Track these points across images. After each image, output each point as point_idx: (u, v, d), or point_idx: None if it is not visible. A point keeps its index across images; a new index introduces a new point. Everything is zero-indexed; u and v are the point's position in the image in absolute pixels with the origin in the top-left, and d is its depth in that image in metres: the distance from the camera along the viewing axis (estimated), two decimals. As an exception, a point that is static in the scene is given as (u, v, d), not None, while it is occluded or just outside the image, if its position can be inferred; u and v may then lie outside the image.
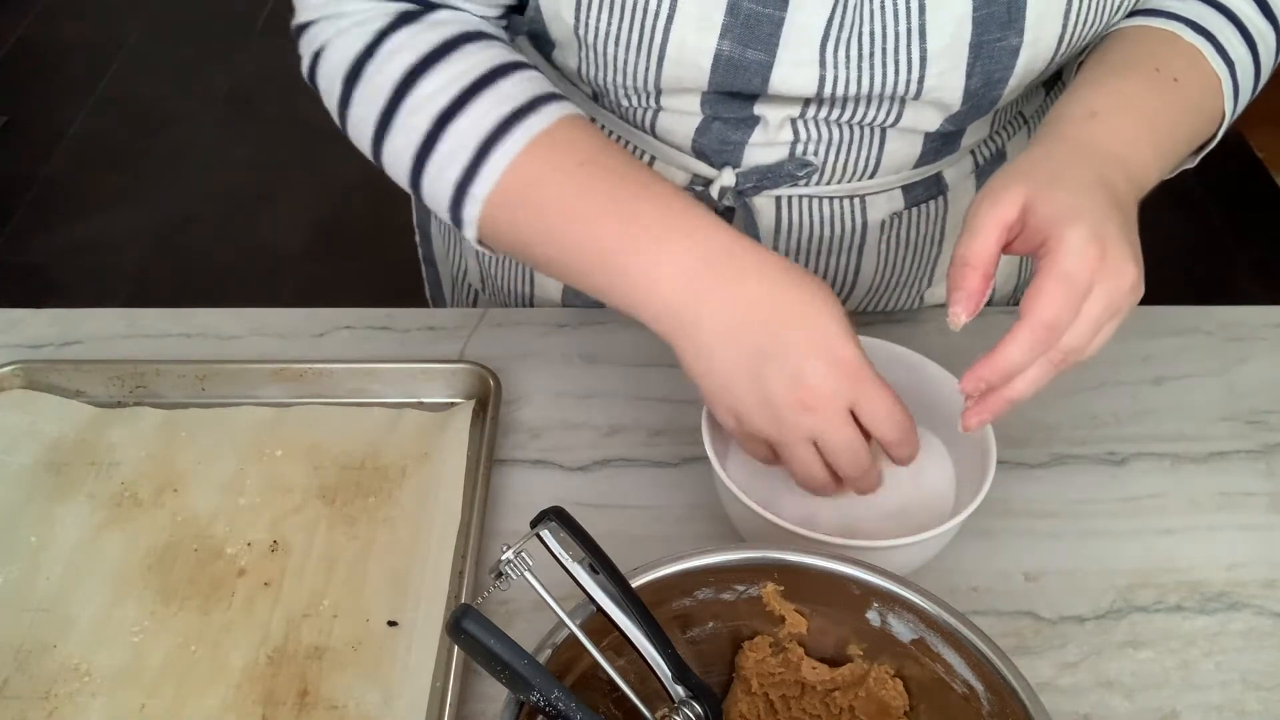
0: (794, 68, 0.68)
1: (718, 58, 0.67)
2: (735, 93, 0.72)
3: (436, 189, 0.67)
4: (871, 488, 0.66)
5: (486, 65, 0.66)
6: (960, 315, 0.58)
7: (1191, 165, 0.74)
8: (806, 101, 0.73)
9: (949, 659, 0.56)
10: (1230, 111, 0.71)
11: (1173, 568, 0.72)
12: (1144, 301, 0.89)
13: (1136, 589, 0.71)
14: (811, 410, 0.60)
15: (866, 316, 0.89)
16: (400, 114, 0.67)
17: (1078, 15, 0.68)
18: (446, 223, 0.71)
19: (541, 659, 0.52)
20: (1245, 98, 0.73)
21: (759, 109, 0.74)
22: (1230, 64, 0.70)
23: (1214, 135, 0.72)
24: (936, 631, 0.56)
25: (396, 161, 0.69)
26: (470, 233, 0.67)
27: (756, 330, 0.60)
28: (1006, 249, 0.60)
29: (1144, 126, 0.65)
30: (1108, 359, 0.85)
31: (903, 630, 0.57)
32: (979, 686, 0.55)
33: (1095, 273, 0.57)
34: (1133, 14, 0.72)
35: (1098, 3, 0.68)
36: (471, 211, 0.66)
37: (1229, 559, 0.73)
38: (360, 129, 0.70)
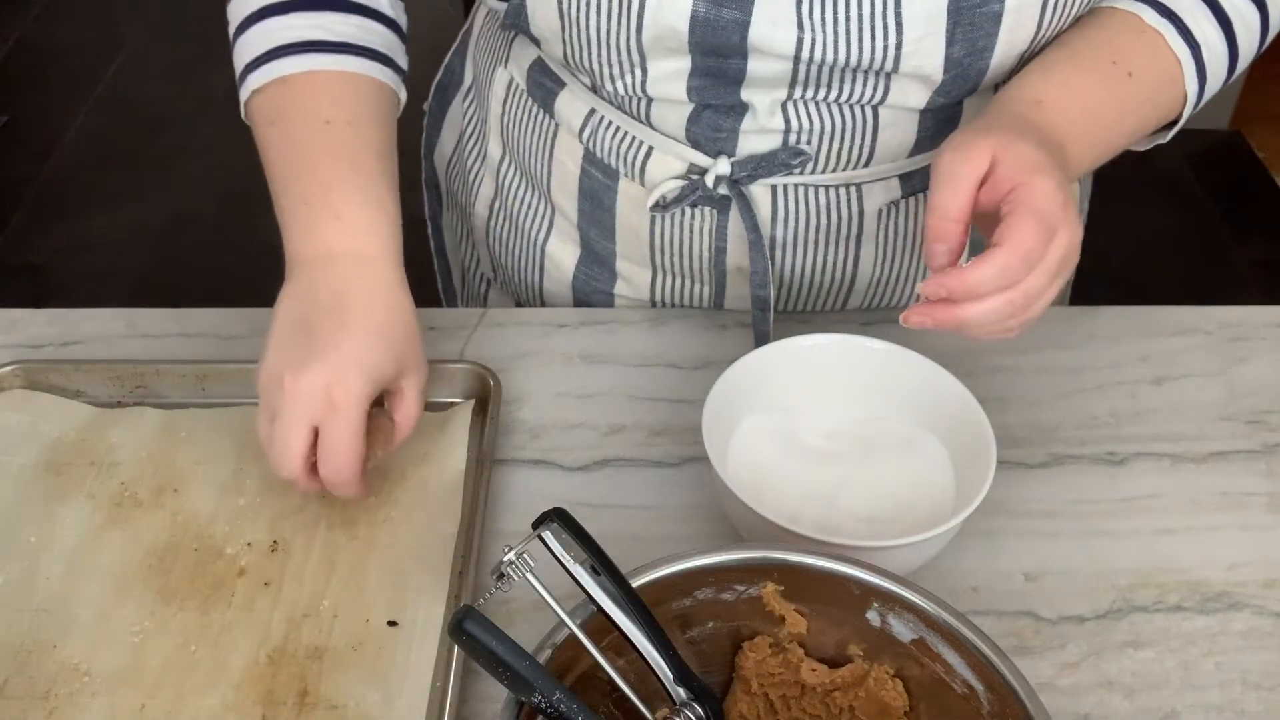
0: (771, 26, 0.68)
1: (694, 18, 0.68)
2: (720, 75, 0.72)
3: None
4: (342, 487, 0.68)
5: None
6: (940, 254, 0.62)
7: (1164, 140, 0.76)
8: (791, 82, 0.73)
9: (949, 659, 0.56)
10: (1196, 92, 0.71)
11: (1173, 568, 0.72)
12: (1144, 301, 0.89)
13: (1136, 589, 0.71)
14: (288, 395, 0.65)
15: (867, 314, 0.88)
16: None
17: None
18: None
19: (541, 659, 0.52)
20: (1217, 78, 0.73)
21: (746, 94, 0.74)
22: (1194, 45, 0.70)
23: (1179, 116, 0.73)
24: (936, 631, 0.56)
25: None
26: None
27: (324, 310, 0.68)
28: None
29: (1085, 120, 0.67)
30: (1108, 359, 0.85)
31: (903, 630, 0.57)
32: (979, 686, 0.55)
33: (1060, 219, 0.60)
34: None
35: None
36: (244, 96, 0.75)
37: (1229, 559, 0.73)
38: None
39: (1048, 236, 0.60)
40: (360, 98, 0.74)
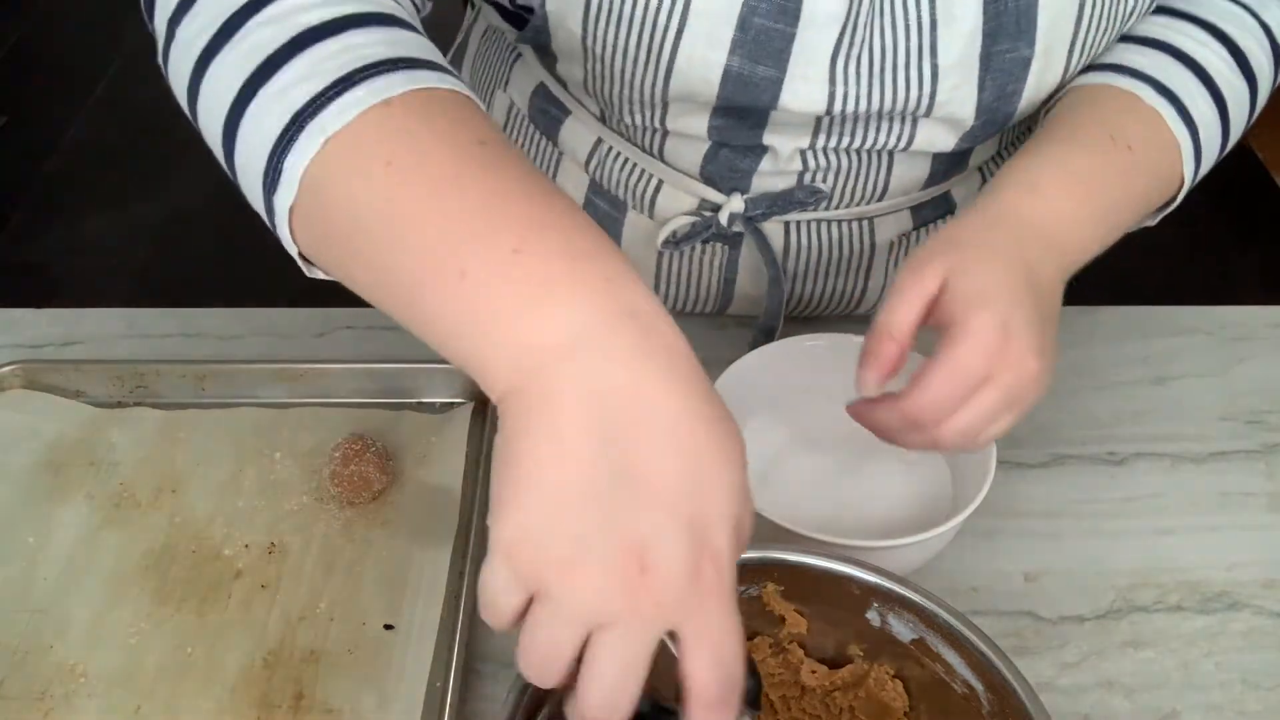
0: (804, 84, 0.66)
1: (727, 73, 0.65)
2: (744, 116, 0.70)
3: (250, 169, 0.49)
4: None
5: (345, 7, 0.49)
6: (870, 381, 0.58)
7: (1152, 224, 0.71)
8: (815, 130, 0.71)
9: (949, 659, 0.56)
10: (1191, 175, 0.68)
11: (1173, 568, 0.72)
12: (1144, 301, 0.89)
13: (1136, 589, 0.71)
14: (619, 589, 0.39)
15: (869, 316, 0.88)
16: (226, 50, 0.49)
17: (1090, 19, 0.66)
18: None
19: None
20: (1211, 158, 0.69)
21: (768, 138, 0.72)
22: (1193, 128, 0.66)
23: (1174, 197, 0.69)
24: (936, 631, 0.56)
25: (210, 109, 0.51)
26: (293, 250, 0.49)
27: (632, 443, 0.40)
28: (923, 319, 0.59)
29: (1085, 202, 0.63)
30: (1108, 359, 0.85)
31: (903, 630, 0.57)
32: (979, 686, 0.55)
33: (993, 363, 0.56)
34: (1095, 68, 0.68)
35: (1109, 5, 0.66)
36: (284, 205, 0.47)
37: (1229, 559, 0.73)
38: (180, 65, 0.52)
39: (967, 387, 0.56)
40: (487, 116, 0.49)
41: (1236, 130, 0.70)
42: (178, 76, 0.52)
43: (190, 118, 0.52)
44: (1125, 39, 0.69)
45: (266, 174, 0.46)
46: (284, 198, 0.46)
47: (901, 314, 0.58)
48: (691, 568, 0.39)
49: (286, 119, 0.46)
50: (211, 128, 0.50)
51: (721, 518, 0.41)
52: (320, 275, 0.50)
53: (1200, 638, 0.68)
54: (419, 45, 0.49)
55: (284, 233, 0.47)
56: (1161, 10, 0.70)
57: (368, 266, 0.45)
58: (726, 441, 0.41)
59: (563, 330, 0.40)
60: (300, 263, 0.50)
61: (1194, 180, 0.68)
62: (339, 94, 0.45)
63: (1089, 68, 0.69)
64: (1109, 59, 0.69)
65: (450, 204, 0.43)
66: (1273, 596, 0.70)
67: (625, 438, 0.40)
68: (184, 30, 0.51)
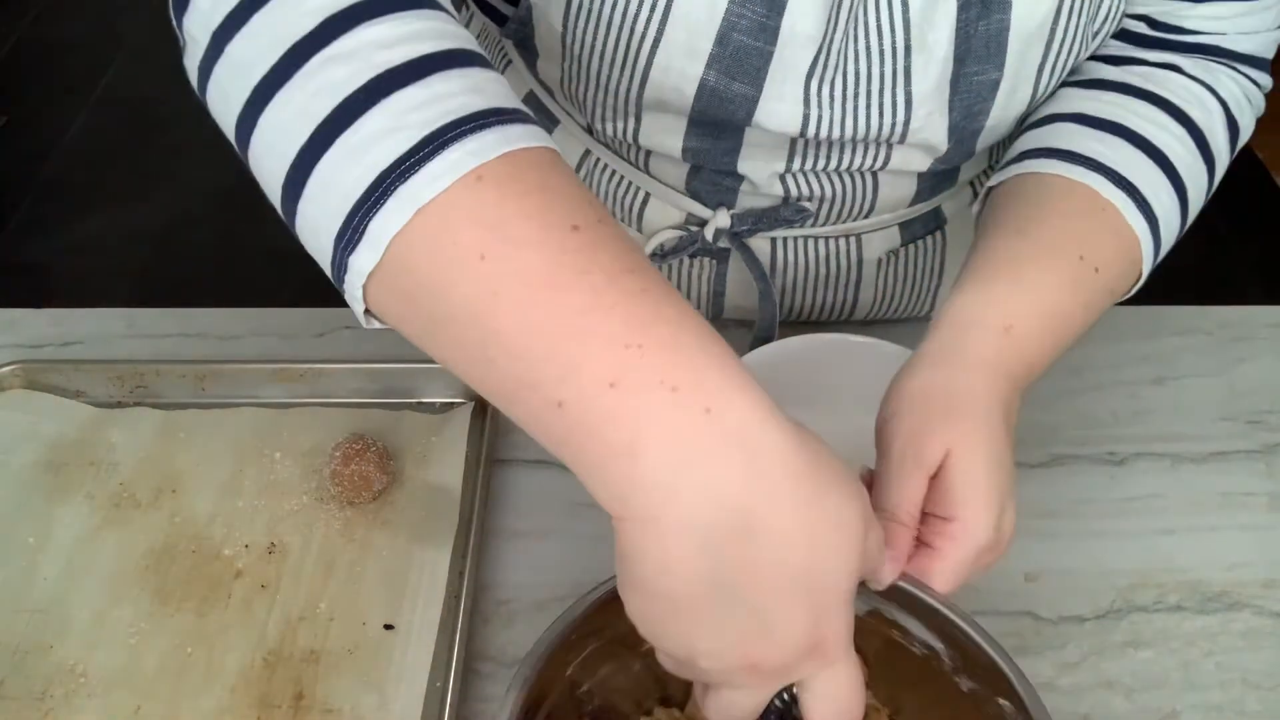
0: (779, 103, 0.66)
1: (702, 86, 0.65)
2: (718, 137, 0.70)
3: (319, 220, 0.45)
4: None
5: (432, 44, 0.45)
6: (890, 575, 0.52)
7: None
8: (790, 154, 0.71)
9: (905, 623, 0.55)
10: (1148, 271, 0.64)
11: (1173, 568, 0.72)
12: (1144, 301, 0.89)
13: (1136, 589, 0.71)
14: (739, 671, 0.43)
15: (865, 323, 0.88)
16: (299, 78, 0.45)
17: (1061, 43, 0.65)
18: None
19: (527, 672, 0.51)
20: (1168, 245, 0.66)
21: (743, 166, 0.72)
22: (1153, 220, 0.63)
23: (1130, 288, 0.66)
24: (890, 599, 0.55)
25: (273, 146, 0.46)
26: (357, 307, 0.46)
27: (743, 570, 0.41)
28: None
29: (1052, 345, 0.60)
30: (1108, 359, 0.85)
31: (856, 604, 0.57)
32: (939, 645, 0.54)
33: (987, 554, 0.55)
34: (1053, 154, 0.64)
35: (1080, 28, 0.65)
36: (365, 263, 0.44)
37: (1229, 559, 0.73)
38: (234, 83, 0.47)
39: (968, 573, 0.55)
40: (583, 186, 0.46)
41: (1193, 213, 0.67)
42: (224, 98, 0.48)
43: (235, 144, 0.49)
44: (1084, 121, 0.66)
45: (344, 232, 0.43)
46: (365, 260, 0.43)
47: (909, 503, 0.55)
48: (810, 648, 0.42)
49: (371, 178, 0.42)
50: (269, 166, 0.46)
51: (840, 601, 0.42)
52: (378, 325, 0.47)
53: (1200, 638, 0.68)
54: (500, 89, 0.46)
55: (355, 293, 0.44)
56: (1122, 88, 0.67)
57: (452, 353, 0.44)
58: (839, 526, 0.42)
59: (662, 471, 0.40)
60: (362, 317, 0.47)
61: (1152, 268, 0.65)
62: (429, 158, 0.42)
63: (1046, 152, 0.65)
64: (1068, 145, 0.65)
65: (545, 319, 0.41)
66: (1273, 596, 0.70)
67: (735, 565, 0.40)
68: (238, 49, 0.47)
